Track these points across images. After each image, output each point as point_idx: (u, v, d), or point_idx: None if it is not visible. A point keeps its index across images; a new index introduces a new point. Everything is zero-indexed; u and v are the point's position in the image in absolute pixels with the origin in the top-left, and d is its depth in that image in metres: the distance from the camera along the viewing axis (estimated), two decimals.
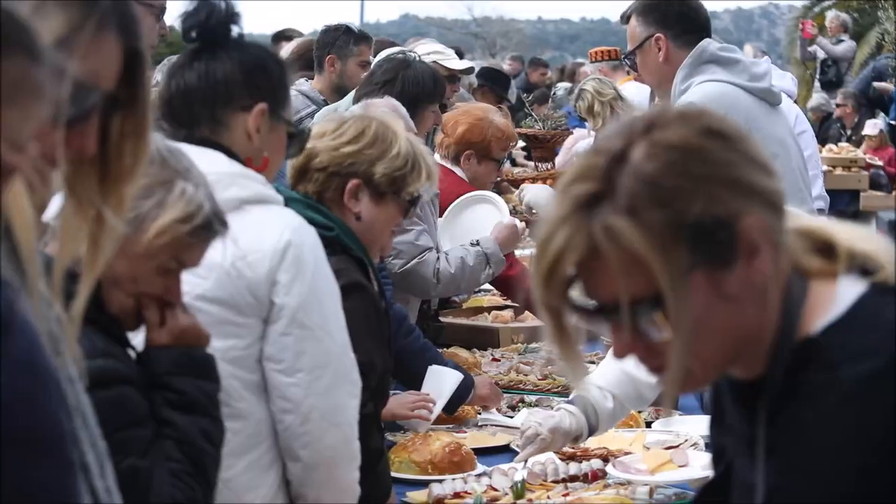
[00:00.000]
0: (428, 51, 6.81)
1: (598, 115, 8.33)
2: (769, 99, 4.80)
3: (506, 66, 15.92)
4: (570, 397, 3.67)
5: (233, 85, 2.94)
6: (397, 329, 4.14)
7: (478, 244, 5.13)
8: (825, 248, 1.80)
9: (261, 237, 2.82)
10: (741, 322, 1.72)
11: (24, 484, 1.06)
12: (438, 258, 5.03)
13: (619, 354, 1.75)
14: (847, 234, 1.82)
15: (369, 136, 3.48)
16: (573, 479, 3.72)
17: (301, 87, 6.61)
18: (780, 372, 1.73)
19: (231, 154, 2.91)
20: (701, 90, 4.67)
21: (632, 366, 1.78)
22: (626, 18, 5.04)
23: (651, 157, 1.67)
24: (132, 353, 2.47)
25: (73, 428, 1.54)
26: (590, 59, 10.40)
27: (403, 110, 4.71)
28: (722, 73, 4.76)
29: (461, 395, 4.34)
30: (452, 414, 4.37)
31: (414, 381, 4.33)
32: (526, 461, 3.64)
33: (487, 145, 5.72)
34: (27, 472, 1.07)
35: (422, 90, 5.24)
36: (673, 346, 1.67)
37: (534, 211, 6.02)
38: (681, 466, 3.66)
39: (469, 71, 7.86)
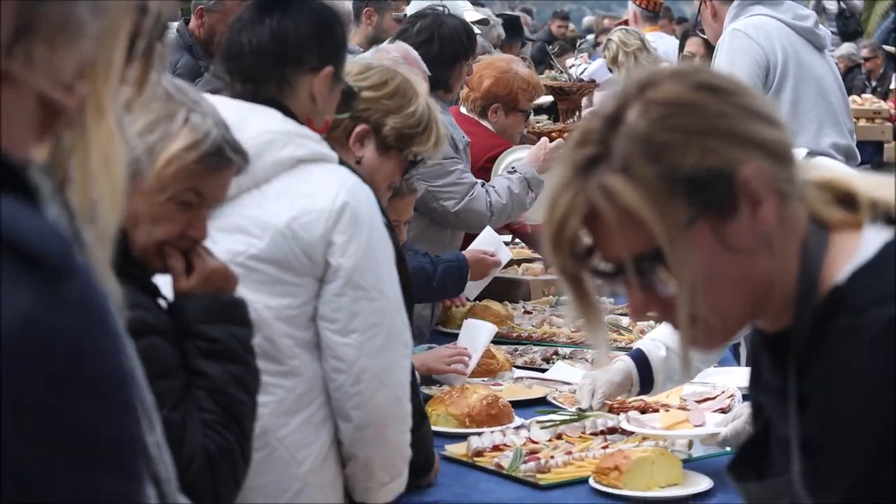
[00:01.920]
0: None
1: (622, 64, 8.33)
2: (813, 40, 4.92)
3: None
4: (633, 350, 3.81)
5: (305, 46, 2.95)
6: None
7: (515, 171, 5.20)
8: (847, 199, 1.79)
9: (316, 197, 2.80)
10: (753, 272, 1.72)
11: (85, 425, 1.06)
12: (488, 191, 5.12)
13: (636, 313, 1.76)
14: (868, 183, 1.81)
15: (391, 87, 3.47)
16: (612, 431, 3.71)
17: None
18: (806, 322, 1.73)
19: (291, 115, 2.90)
20: (742, 21, 4.88)
21: None
22: None
23: (643, 116, 1.69)
24: (163, 303, 2.45)
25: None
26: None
27: (415, 53, 4.73)
28: (765, 10, 4.94)
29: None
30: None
31: None
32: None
33: (514, 97, 5.73)
34: (89, 414, 1.06)
35: (459, 47, 5.26)
36: (677, 297, 1.67)
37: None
38: (696, 426, 3.65)
39: (484, 22, 7.83)
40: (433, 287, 4.53)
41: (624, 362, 3.81)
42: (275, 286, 2.75)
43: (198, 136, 2.37)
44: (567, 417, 3.80)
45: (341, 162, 3.29)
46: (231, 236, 2.72)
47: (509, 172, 5.26)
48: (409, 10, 6.37)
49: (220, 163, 2.40)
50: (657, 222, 1.66)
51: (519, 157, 5.55)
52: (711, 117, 1.70)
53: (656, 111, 1.69)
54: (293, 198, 2.78)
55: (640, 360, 3.81)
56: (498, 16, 10.11)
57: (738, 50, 5.00)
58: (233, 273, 2.50)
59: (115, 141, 1.29)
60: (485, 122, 5.75)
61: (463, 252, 4.80)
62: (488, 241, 4.97)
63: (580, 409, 3.78)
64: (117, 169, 1.31)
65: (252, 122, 2.76)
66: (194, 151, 2.37)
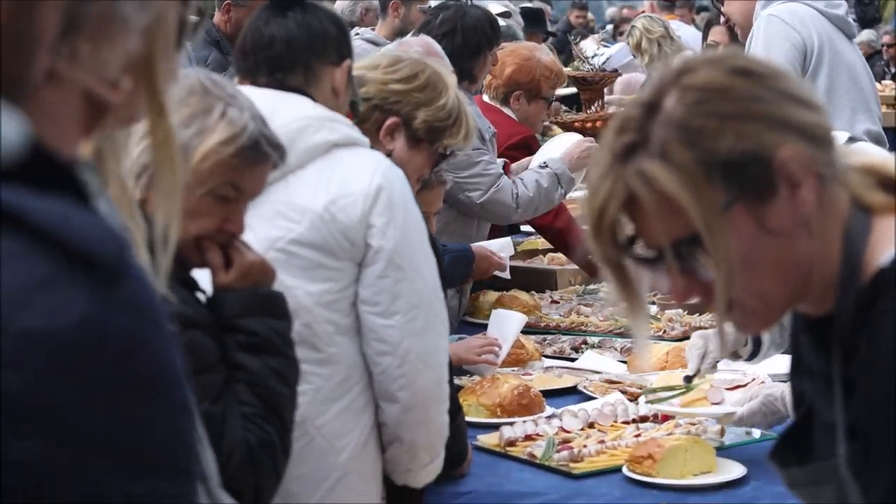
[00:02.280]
0: None
1: (645, 51, 8.34)
2: (844, 28, 4.89)
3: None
4: None
5: (329, 39, 2.98)
6: None
7: (546, 166, 5.18)
8: (889, 184, 1.79)
9: (352, 180, 2.82)
10: (792, 255, 1.72)
11: (140, 426, 1.06)
12: (514, 183, 5.11)
13: (678, 298, 1.78)
14: None
15: (422, 80, 3.47)
16: (644, 419, 3.72)
17: (365, 35, 6.60)
18: (849, 306, 1.73)
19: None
20: (776, 7, 4.80)
21: None
22: None
23: (680, 102, 1.70)
24: (201, 297, 2.46)
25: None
26: None
27: (438, 47, 4.73)
28: None
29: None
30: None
31: None
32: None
33: (536, 84, 5.72)
34: (144, 414, 1.07)
35: (482, 37, 5.25)
36: (715, 282, 1.69)
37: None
38: (714, 404, 3.66)
39: (506, 15, 7.82)
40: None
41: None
42: (315, 271, 2.77)
43: (235, 130, 2.37)
44: (675, 393, 3.78)
45: None
46: (270, 222, 2.74)
47: (541, 167, 5.24)
48: (434, 1, 6.36)
49: (256, 157, 2.41)
50: (694, 207, 1.67)
51: (565, 142, 5.52)
52: (747, 101, 1.71)
53: (692, 97, 1.71)
54: (329, 182, 2.80)
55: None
56: (520, 8, 10.09)
57: (774, 35, 4.96)
58: (271, 266, 2.50)
59: (173, 140, 1.30)
60: (507, 110, 5.74)
61: (471, 245, 4.79)
62: (500, 246, 4.96)
63: (687, 376, 3.75)
64: (177, 171, 1.31)
65: (284, 110, 2.78)
66: (231, 146, 2.38)
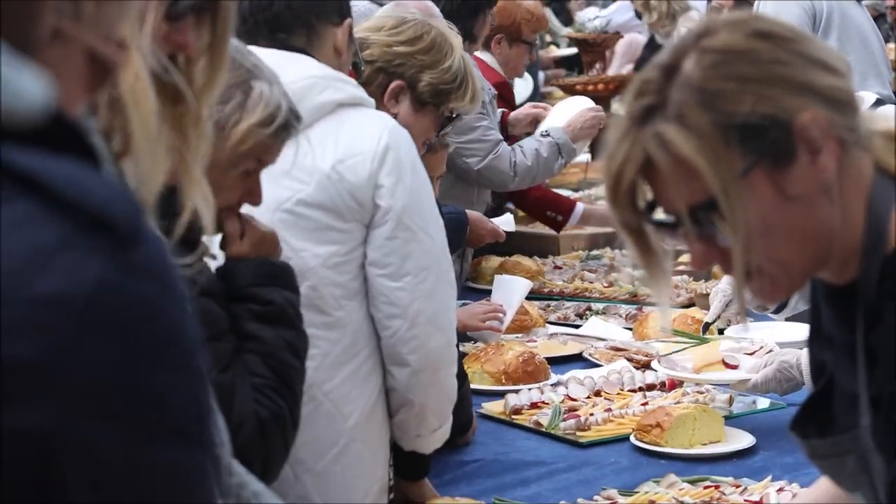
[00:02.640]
0: None
1: (654, 8, 8.25)
2: None
3: None
4: None
5: None
6: None
7: (548, 135, 5.11)
8: None
9: (359, 140, 2.78)
10: (812, 222, 1.69)
11: (159, 392, 1.04)
12: (513, 150, 5.05)
13: (697, 264, 1.75)
14: None
15: (426, 41, 3.41)
16: (650, 387, 3.68)
17: None
18: (873, 275, 1.70)
19: None
20: None
21: None
22: None
23: (698, 65, 1.67)
24: (211, 266, 2.42)
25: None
26: None
27: (436, 8, 4.66)
28: None
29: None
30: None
31: None
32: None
33: (517, 27, 5.70)
34: (162, 381, 1.04)
35: None
36: (732, 248, 1.65)
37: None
38: (729, 367, 3.62)
39: None
40: None
41: None
42: (322, 233, 2.73)
43: (272, 109, 2.34)
44: (688, 344, 3.74)
45: None
46: (276, 183, 2.69)
47: (542, 135, 5.18)
48: None
49: (288, 134, 2.39)
50: (710, 171, 1.63)
51: (573, 107, 5.44)
52: (767, 64, 1.67)
53: (711, 59, 1.67)
54: (336, 141, 2.76)
55: None
56: None
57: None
58: (278, 240, 2.48)
59: (145, 89, 1.27)
60: (486, 56, 5.67)
61: (466, 210, 4.74)
62: (501, 221, 4.92)
63: (706, 322, 3.69)
64: (149, 119, 1.29)
65: (289, 69, 2.73)
66: (269, 127, 2.35)
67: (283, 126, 2.37)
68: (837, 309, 1.79)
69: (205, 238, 2.35)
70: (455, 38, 3.50)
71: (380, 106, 3.33)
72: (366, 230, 2.78)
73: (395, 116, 3.34)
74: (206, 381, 1.12)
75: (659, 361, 3.68)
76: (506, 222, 4.91)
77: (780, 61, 1.67)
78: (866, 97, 3.58)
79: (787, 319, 3.58)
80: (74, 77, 1.13)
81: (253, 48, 2.65)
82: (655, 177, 1.69)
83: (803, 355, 3.30)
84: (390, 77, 3.38)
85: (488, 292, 4.43)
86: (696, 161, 1.64)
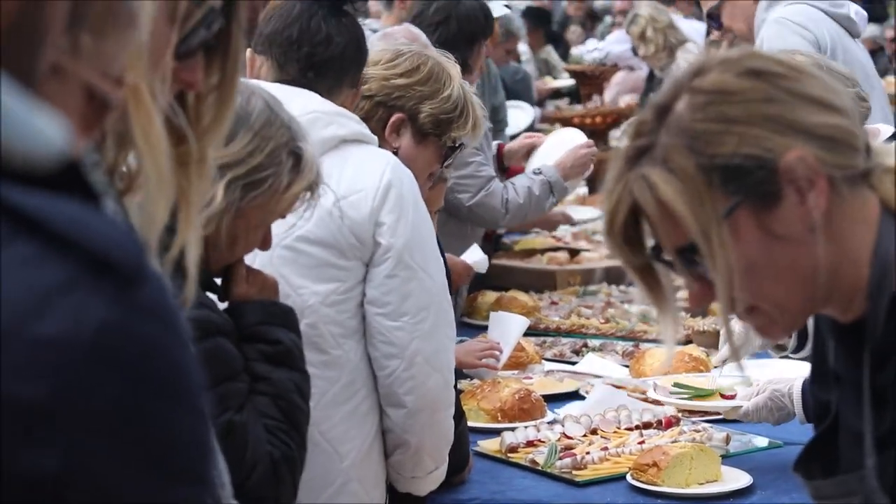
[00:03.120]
0: None
1: (650, 41, 8.28)
2: (849, 28, 4.83)
3: None
4: None
5: (361, 61, 2.99)
6: None
7: (540, 173, 5.09)
8: None
9: (361, 177, 2.79)
10: (806, 261, 1.68)
11: (162, 432, 1.05)
12: (506, 187, 5.01)
13: (693, 303, 1.77)
14: None
15: (424, 72, 3.40)
16: (647, 426, 3.66)
17: (371, 26, 6.52)
18: (881, 312, 1.69)
19: None
20: (781, 10, 4.71)
21: None
22: None
23: (688, 106, 1.67)
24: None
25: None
26: None
27: (424, 37, 4.66)
28: None
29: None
30: None
31: None
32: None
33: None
34: (166, 420, 1.05)
35: (476, 26, 5.16)
36: (717, 287, 1.66)
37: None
38: (724, 397, 3.62)
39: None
40: None
41: None
42: (322, 270, 2.73)
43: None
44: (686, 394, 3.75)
45: None
46: None
47: (534, 173, 5.16)
48: None
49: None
50: (690, 216, 1.65)
51: (565, 141, 5.42)
52: (755, 104, 1.67)
53: (700, 100, 1.68)
54: (339, 177, 2.76)
55: None
56: (525, 7, 10.01)
57: (787, 37, 4.83)
58: (278, 286, 2.51)
59: (158, 129, 1.28)
60: None
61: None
62: (475, 260, 4.75)
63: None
64: (162, 159, 1.30)
65: (295, 102, 2.73)
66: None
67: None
68: (844, 345, 1.79)
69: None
70: (453, 68, 3.49)
71: (381, 140, 3.33)
72: (365, 268, 2.78)
73: (396, 150, 3.34)
74: (209, 421, 1.12)
75: (655, 390, 3.67)
76: (478, 263, 4.74)
77: (770, 99, 1.67)
78: (883, 130, 3.56)
79: (805, 359, 3.59)
80: (73, 114, 1.13)
81: (260, 82, 2.65)
82: (648, 217, 1.70)
83: (796, 385, 3.29)
84: (390, 110, 3.38)
85: (484, 328, 4.42)
86: (676, 205, 1.65)
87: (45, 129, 1.02)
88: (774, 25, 4.89)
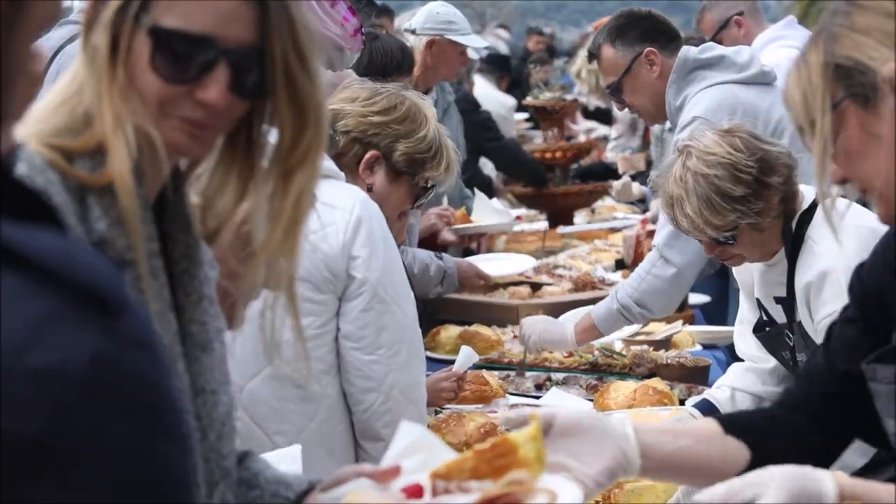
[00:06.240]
0: (437, 22, 6.46)
1: (583, 80, 8.46)
2: (764, 80, 4.73)
3: (499, 34, 16.10)
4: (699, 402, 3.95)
5: None
6: None
7: (441, 258, 4.95)
8: None
9: (331, 211, 2.82)
10: None
11: (153, 459, 1.06)
12: (405, 252, 4.69)
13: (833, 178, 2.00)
14: None
15: (401, 112, 3.42)
16: None
17: None
18: None
19: None
20: (700, 101, 4.55)
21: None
22: (596, 50, 4.93)
23: (830, 12, 2.00)
24: None
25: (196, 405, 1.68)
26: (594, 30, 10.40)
27: (353, 73, 4.63)
28: (712, 75, 4.64)
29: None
30: None
31: None
32: None
33: None
34: (156, 448, 1.07)
35: (389, 61, 5.10)
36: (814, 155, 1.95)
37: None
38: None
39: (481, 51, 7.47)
40: None
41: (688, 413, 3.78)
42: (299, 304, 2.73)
43: None
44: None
45: None
46: None
47: (436, 256, 4.95)
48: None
49: None
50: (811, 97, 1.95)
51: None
52: (880, 18, 1.91)
53: (842, 7, 1.97)
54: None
55: (707, 409, 3.81)
56: (487, 54, 9.89)
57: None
58: None
59: None
60: None
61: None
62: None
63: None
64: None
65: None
66: None
67: None
68: None
69: None
70: (429, 109, 3.51)
71: (355, 176, 3.34)
72: (339, 302, 2.78)
73: (370, 187, 3.34)
74: (192, 448, 1.14)
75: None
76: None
77: (890, 15, 1.91)
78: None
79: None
80: None
81: None
82: None
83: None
84: (365, 147, 3.39)
85: (447, 362, 4.40)
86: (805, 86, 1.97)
87: None
88: (699, 125, 4.22)
